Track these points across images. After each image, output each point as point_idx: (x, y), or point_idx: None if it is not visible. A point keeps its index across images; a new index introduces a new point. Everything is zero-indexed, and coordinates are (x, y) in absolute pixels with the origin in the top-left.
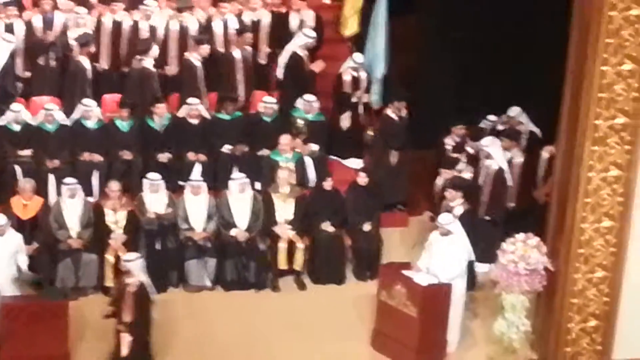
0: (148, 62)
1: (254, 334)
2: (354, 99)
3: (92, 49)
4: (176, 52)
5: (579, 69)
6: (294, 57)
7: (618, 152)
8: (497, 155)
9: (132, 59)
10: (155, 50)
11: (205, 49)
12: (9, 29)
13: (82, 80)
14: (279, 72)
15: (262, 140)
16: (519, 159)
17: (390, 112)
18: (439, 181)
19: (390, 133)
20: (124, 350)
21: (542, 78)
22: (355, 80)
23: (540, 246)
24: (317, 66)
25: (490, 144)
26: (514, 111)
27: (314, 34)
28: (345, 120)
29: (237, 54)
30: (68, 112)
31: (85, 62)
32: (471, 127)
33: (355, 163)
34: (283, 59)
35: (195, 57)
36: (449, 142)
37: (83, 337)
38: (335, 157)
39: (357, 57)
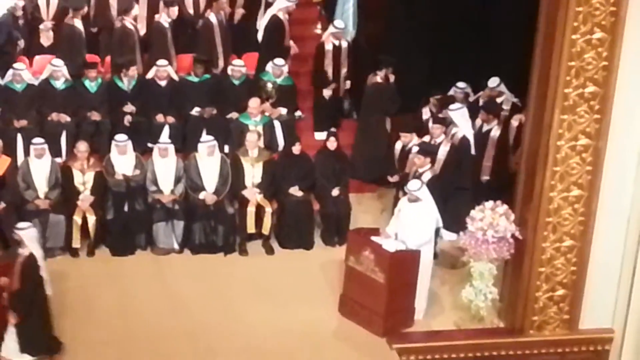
0: (128, 22)
1: (222, 297)
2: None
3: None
4: (145, 13)
5: (549, 37)
6: (274, 20)
7: (587, 121)
8: (462, 123)
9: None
10: (135, 10)
11: (174, 10)
12: None
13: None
14: (259, 35)
15: (231, 103)
16: (497, 132)
17: (378, 79)
18: (398, 145)
19: (384, 98)
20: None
21: (515, 46)
22: (337, 50)
23: (509, 214)
24: (292, 49)
25: (455, 111)
26: (494, 82)
27: None
28: (327, 92)
29: (212, 18)
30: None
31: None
32: (443, 96)
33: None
34: (263, 21)
35: (164, 19)
36: (426, 111)
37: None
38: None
39: (338, 23)
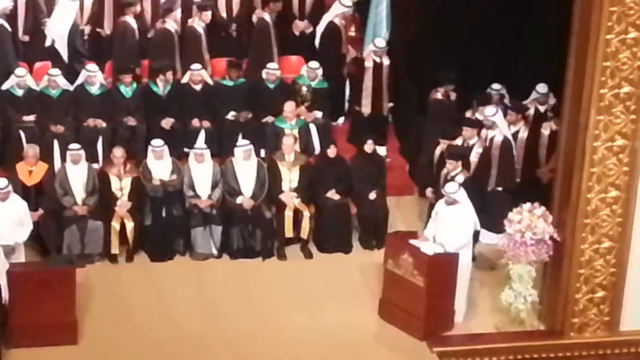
0: (170, 25)
1: (260, 303)
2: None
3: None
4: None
5: (583, 38)
6: (331, 26)
7: (623, 121)
8: (502, 124)
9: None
10: (178, 12)
11: (207, 15)
12: None
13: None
14: (317, 41)
15: (266, 107)
16: (524, 133)
17: (439, 95)
18: (438, 151)
19: (441, 118)
20: None
21: (550, 47)
22: (377, 66)
23: (547, 216)
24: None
25: (495, 114)
26: (543, 88)
27: (350, 3)
28: (366, 107)
29: (267, 17)
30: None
31: None
32: (478, 95)
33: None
34: (320, 27)
35: (198, 24)
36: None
37: (90, 305)
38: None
39: (379, 41)
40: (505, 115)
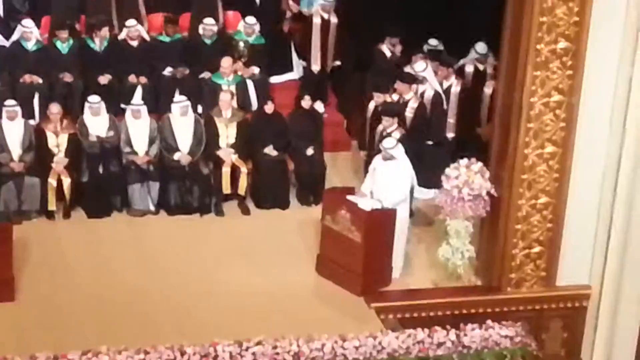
0: None
1: (198, 258)
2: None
3: None
4: None
5: None
6: None
7: (560, 77)
8: (432, 79)
9: None
10: None
11: None
12: None
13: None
14: None
15: (203, 63)
16: (456, 87)
17: (384, 47)
18: (371, 105)
19: (385, 70)
20: None
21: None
22: (324, 23)
23: (484, 171)
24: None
25: (425, 69)
26: (482, 47)
27: None
28: (315, 65)
29: None
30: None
31: None
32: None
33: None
34: None
35: None
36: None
37: (27, 261)
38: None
39: None
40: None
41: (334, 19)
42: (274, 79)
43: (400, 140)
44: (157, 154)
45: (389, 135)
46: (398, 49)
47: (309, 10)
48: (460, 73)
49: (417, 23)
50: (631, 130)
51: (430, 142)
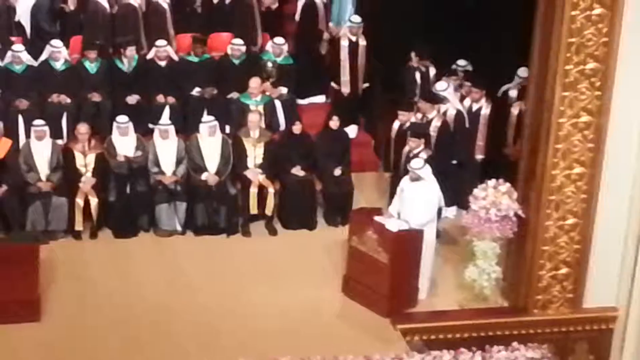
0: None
1: (225, 279)
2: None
3: None
4: None
5: (549, 14)
6: (309, 2)
7: (588, 97)
8: (453, 99)
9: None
10: None
11: None
12: None
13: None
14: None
15: (231, 83)
16: (486, 110)
17: (414, 68)
18: (396, 125)
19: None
20: None
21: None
22: (353, 45)
23: (511, 192)
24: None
25: (446, 88)
26: (524, 72)
27: None
28: (345, 87)
29: None
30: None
31: None
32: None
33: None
34: (300, 3)
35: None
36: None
37: (53, 281)
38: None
39: (355, 18)
40: (469, 91)
41: (362, 42)
42: (304, 101)
43: (426, 161)
44: (184, 174)
45: (416, 156)
46: (431, 70)
47: (337, 28)
48: (504, 97)
49: (444, 43)
50: None
51: (454, 162)
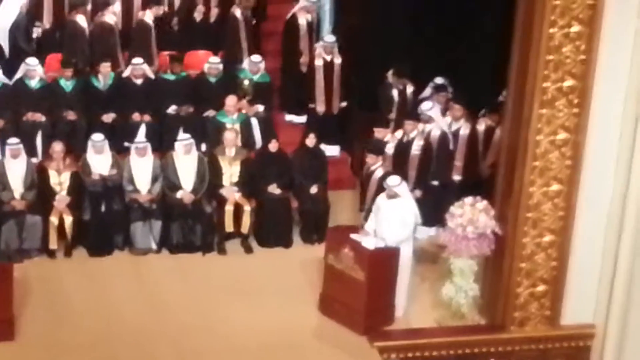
0: (109, 17)
1: (201, 297)
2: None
3: None
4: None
5: (527, 31)
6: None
7: (566, 114)
8: (439, 119)
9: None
10: (117, 5)
11: (159, 9)
12: None
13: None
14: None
15: (207, 101)
16: (465, 130)
17: (391, 86)
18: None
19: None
20: None
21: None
22: (328, 65)
23: (489, 210)
24: None
25: (431, 108)
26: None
27: None
28: (320, 106)
29: (238, 14)
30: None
31: None
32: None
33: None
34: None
35: (149, 17)
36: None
37: (28, 300)
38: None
39: (329, 37)
40: (446, 109)
41: (337, 60)
42: (291, 118)
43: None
44: (159, 192)
45: (372, 173)
46: (409, 87)
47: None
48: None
49: (422, 61)
50: (637, 168)
51: (436, 183)
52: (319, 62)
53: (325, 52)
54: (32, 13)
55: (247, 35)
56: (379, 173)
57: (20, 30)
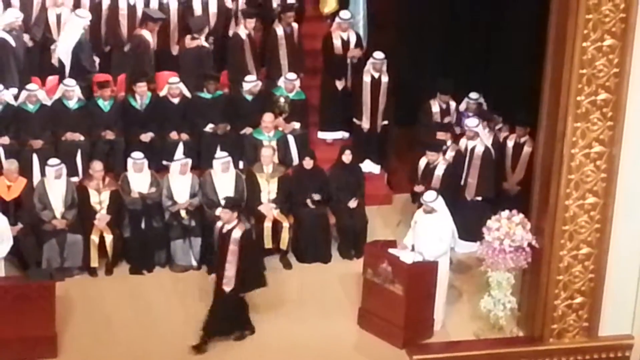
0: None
1: None
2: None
3: None
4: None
5: (560, 46)
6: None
7: (600, 128)
8: (483, 135)
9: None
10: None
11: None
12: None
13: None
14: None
15: (244, 119)
16: (481, 148)
17: (434, 104)
18: (422, 162)
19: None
20: None
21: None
22: (375, 82)
23: (525, 223)
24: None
25: (477, 124)
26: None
27: (347, 16)
28: (365, 123)
29: (242, 33)
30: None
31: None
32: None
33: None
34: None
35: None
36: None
37: (70, 318)
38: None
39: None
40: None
41: (384, 78)
42: (324, 136)
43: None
44: (197, 205)
45: (434, 169)
46: (452, 104)
47: None
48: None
49: (455, 76)
50: None
51: (479, 199)
52: (367, 79)
53: (374, 69)
54: (96, 34)
55: (288, 52)
56: (440, 169)
57: (84, 50)
